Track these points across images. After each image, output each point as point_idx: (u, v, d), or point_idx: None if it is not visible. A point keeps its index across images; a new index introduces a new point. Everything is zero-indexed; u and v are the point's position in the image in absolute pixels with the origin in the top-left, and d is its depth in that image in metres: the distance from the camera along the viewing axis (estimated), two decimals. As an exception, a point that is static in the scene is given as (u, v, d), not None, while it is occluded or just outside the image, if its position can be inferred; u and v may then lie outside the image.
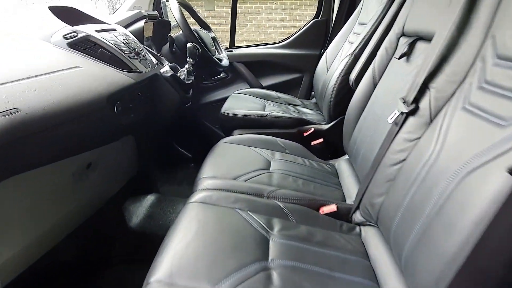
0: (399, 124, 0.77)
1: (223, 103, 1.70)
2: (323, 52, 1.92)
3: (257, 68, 2.03)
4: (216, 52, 1.67)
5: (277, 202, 0.88)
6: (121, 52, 1.02)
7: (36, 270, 0.86)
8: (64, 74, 0.79)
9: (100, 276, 1.13)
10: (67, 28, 0.95)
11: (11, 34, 0.98)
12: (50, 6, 1.02)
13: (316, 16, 2.00)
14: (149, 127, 1.19)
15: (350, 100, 1.34)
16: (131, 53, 1.07)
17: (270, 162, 1.11)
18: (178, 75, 1.24)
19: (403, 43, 0.94)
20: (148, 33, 1.71)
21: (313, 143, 1.33)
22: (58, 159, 0.77)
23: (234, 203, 0.84)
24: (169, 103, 1.22)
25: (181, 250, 0.64)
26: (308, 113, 1.69)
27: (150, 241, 1.26)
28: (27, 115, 0.63)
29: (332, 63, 1.66)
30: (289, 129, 1.41)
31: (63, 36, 0.92)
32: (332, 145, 1.38)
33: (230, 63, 1.98)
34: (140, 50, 1.13)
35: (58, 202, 0.83)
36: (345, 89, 1.32)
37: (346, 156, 1.26)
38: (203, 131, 2.09)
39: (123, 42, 1.07)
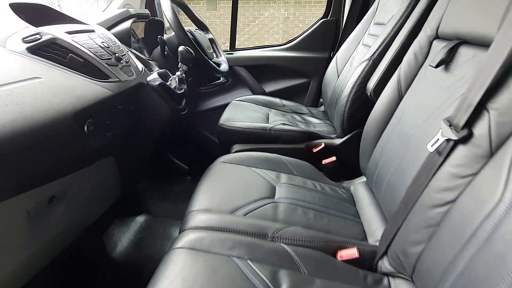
0: (444, 153, 0.59)
1: (223, 111, 1.54)
2: (333, 56, 1.75)
3: (259, 72, 1.86)
4: (214, 56, 1.50)
5: (284, 246, 0.70)
6: (97, 58, 0.85)
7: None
8: (15, 88, 0.62)
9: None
10: (29, 29, 0.78)
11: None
12: (11, 3, 0.85)
13: (325, 15, 1.82)
14: (134, 145, 1.02)
15: (367, 111, 1.17)
16: (111, 58, 0.90)
17: (275, 188, 0.94)
18: (168, 83, 1.07)
19: (440, 48, 0.77)
20: (140, 34, 1.55)
21: (324, 162, 1.15)
22: (7, 197, 0.60)
23: (231, 249, 0.67)
24: (158, 117, 1.05)
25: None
26: (316, 123, 1.52)
27: (135, 276, 1.09)
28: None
29: (344, 68, 1.49)
30: (296, 144, 1.24)
31: (23, 39, 0.75)
32: (346, 163, 1.20)
33: (230, 67, 1.81)
34: (123, 55, 0.96)
35: (10, 248, 0.66)
36: (362, 99, 1.15)
37: (363, 178, 1.09)
38: (200, 141, 1.93)
39: (100, 46, 0.90)
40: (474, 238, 0.49)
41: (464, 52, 0.70)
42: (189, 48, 1.07)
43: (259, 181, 0.95)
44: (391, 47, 1.07)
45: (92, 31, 0.96)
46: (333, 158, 1.14)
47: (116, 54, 0.93)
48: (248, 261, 0.65)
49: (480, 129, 0.55)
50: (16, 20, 0.80)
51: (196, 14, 1.48)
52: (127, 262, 1.14)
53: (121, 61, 0.93)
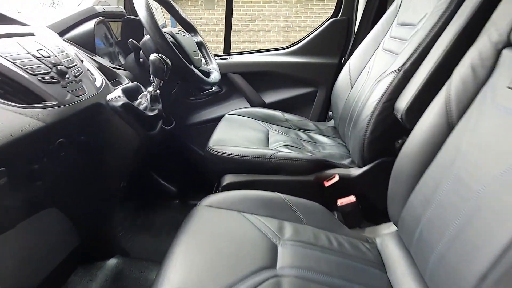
0: None
1: (215, 124, 1.31)
2: (345, 61, 1.50)
3: (258, 80, 1.61)
4: (203, 63, 1.24)
5: None
6: (24, 72, 0.60)
7: None
8: None
9: None
10: None
11: None
12: None
13: (335, 14, 1.56)
14: (89, 188, 0.77)
15: (395, 136, 0.92)
16: (49, 72, 0.65)
17: (276, 248, 0.69)
18: (137, 102, 0.82)
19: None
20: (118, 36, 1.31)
21: (340, 203, 0.90)
22: None
23: None
24: (123, 146, 0.80)
25: None
26: (326, 143, 1.27)
27: None
28: None
29: (359, 77, 1.24)
30: (303, 176, 0.99)
31: None
32: (366, 200, 0.96)
33: (224, 74, 1.56)
34: (71, 67, 0.71)
35: None
36: (388, 121, 0.90)
37: (392, 226, 0.84)
38: (190, 158, 1.68)
39: (34, 56, 0.65)
40: None
41: None
42: (163, 57, 0.82)
43: (256, 239, 0.70)
44: (429, 56, 0.82)
45: (30, 34, 0.71)
46: (352, 199, 0.89)
47: (59, 66, 0.67)
48: None
49: None
50: None
51: (181, 13, 1.23)
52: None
53: (67, 76, 0.68)
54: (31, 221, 0.63)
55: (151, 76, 0.84)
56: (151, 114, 0.80)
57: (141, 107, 0.80)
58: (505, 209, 0.46)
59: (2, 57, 0.58)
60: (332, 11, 1.58)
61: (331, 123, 1.47)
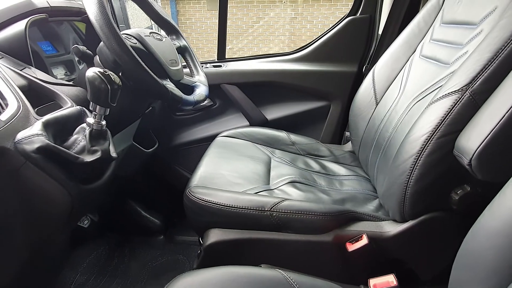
0: None
1: (208, 144, 1.07)
2: (366, 70, 1.22)
3: (259, 93, 1.33)
4: (187, 74, 0.97)
5: None
6: None
7: None
8: None
9: None
10: None
11: None
12: None
13: (353, 11, 1.28)
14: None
15: (452, 183, 0.64)
16: None
17: None
18: (71, 140, 0.55)
19: None
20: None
21: (373, 286, 0.61)
22: None
23: None
24: (40, 213, 0.52)
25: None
26: (343, 177, 0.99)
27: None
28: None
29: (387, 91, 0.97)
30: (317, 236, 0.71)
31: None
32: (404, 266, 0.68)
33: (217, 85, 1.29)
34: None
35: None
36: (445, 163, 0.61)
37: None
38: (178, 185, 1.41)
39: None
40: None
41: None
42: (106, 72, 0.54)
43: None
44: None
45: None
46: (391, 281, 0.60)
47: None
48: None
49: None
50: None
51: (157, 9, 0.96)
52: None
53: None
54: None
55: (91, 102, 0.56)
56: (89, 159, 0.53)
57: (75, 149, 0.53)
58: None
59: None
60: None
61: (348, 146, 1.19)
